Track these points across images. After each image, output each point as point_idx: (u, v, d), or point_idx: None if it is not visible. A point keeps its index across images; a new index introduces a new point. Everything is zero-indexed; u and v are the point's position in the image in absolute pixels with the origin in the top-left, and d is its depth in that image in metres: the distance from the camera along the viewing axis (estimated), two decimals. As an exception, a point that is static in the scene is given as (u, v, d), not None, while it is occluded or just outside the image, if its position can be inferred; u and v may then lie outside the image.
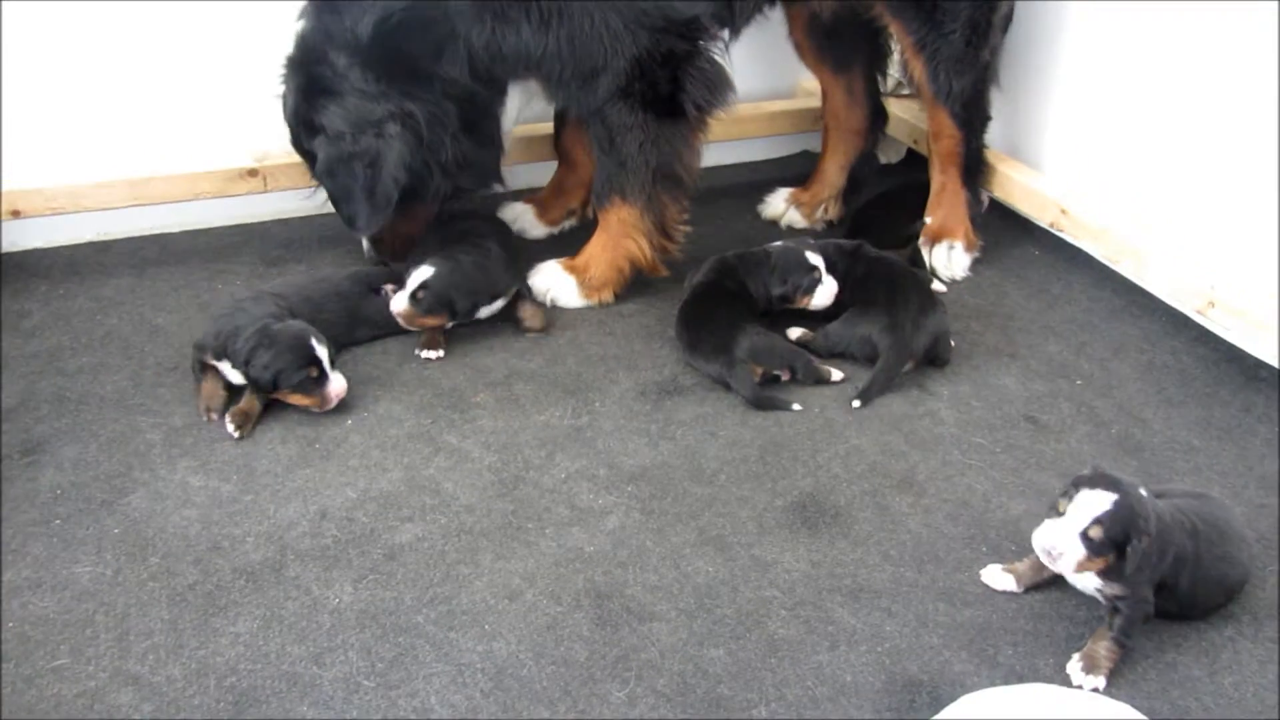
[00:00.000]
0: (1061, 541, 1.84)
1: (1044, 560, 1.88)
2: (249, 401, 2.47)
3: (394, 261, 2.94)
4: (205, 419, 2.47)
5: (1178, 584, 1.92)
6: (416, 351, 2.72)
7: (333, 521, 2.21)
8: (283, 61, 2.76)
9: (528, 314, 2.84)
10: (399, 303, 2.68)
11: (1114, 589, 1.89)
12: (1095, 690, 1.84)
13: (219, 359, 2.50)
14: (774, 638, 1.96)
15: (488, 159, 2.92)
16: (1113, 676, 1.88)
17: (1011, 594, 2.06)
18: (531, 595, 2.04)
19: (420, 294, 2.66)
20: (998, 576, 2.08)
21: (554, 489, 2.31)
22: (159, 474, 2.33)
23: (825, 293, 2.76)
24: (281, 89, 2.79)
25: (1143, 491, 1.89)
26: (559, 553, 2.14)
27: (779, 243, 2.85)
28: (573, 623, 1.99)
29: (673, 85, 2.76)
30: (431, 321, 2.71)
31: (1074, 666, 1.89)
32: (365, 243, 3.02)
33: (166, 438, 2.43)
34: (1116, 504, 1.82)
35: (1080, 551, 1.83)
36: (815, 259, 2.76)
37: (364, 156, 2.69)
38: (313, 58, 2.69)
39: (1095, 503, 1.83)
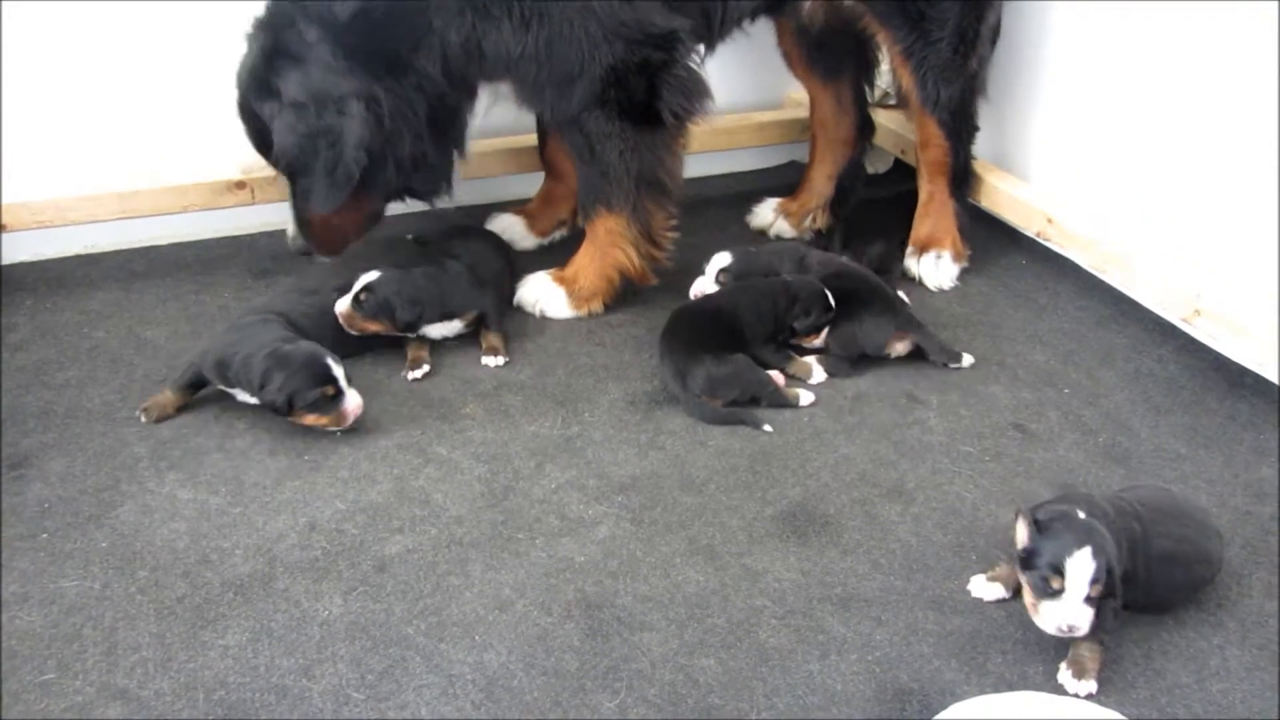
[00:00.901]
0: (1075, 619, 1.84)
1: (1057, 634, 1.88)
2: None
3: (320, 254, 2.89)
4: (139, 415, 2.49)
5: (1136, 568, 1.94)
6: (404, 374, 2.70)
7: (322, 533, 2.20)
8: (252, 23, 2.68)
9: (487, 342, 2.79)
10: (342, 304, 2.66)
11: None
12: (1089, 695, 1.85)
13: (229, 386, 2.50)
14: (764, 647, 1.96)
15: (444, 165, 2.87)
16: (1102, 684, 1.89)
17: (1001, 601, 2.06)
18: (522, 606, 2.04)
19: (364, 296, 2.65)
20: (984, 586, 2.08)
21: (544, 499, 2.31)
22: (147, 487, 2.32)
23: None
24: (244, 48, 2.70)
25: (1080, 513, 1.91)
26: (549, 563, 2.14)
27: (792, 275, 2.79)
28: (563, 633, 1.98)
29: (649, 94, 2.75)
30: (373, 326, 2.67)
31: (1064, 675, 1.89)
32: (291, 229, 2.88)
33: (154, 450, 2.42)
34: (1096, 553, 1.84)
35: (1090, 615, 1.85)
36: (830, 297, 2.71)
37: (326, 133, 2.62)
38: (282, 22, 2.62)
39: (1084, 566, 1.83)
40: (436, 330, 2.79)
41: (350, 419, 2.46)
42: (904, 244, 3.22)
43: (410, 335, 2.74)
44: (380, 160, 2.69)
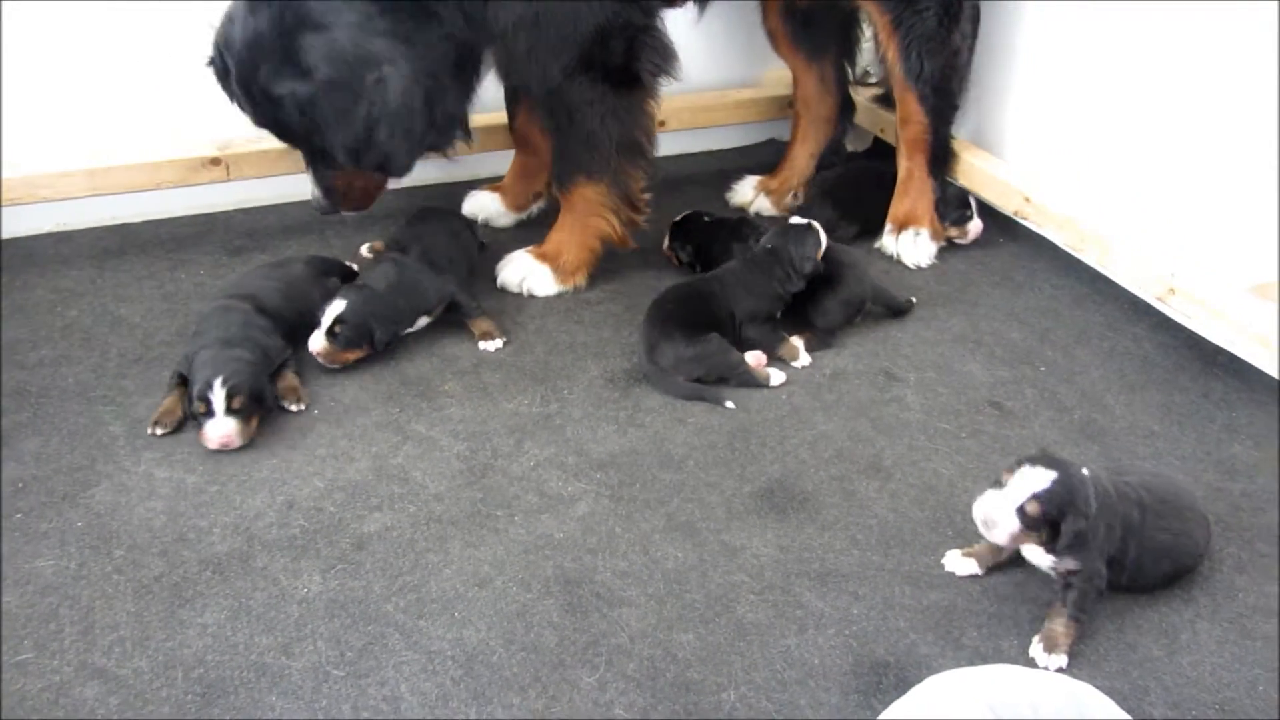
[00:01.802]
0: (997, 513, 1.89)
1: (980, 529, 1.93)
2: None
3: (347, 211, 2.84)
4: (149, 430, 2.39)
5: (1126, 554, 1.97)
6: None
7: (300, 511, 2.20)
8: None
9: (481, 328, 2.75)
10: (316, 342, 2.56)
11: (1066, 565, 1.93)
12: (1059, 670, 1.88)
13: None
14: (742, 622, 1.98)
15: (465, 115, 2.83)
16: (1074, 657, 1.91)
17: (975, 577, 2.08)
18: (501, 582, 2.04)
19: (337, 329, 2.55)
20: (959, 562, 2.10)
21: (523, 476, 2.31)
22: (123, 466, 2.31)
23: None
24: (235, 12, 2.51)
25: (1085, 472, 1.93)
26: (528, 540, 2.14)
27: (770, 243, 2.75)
28: (542, 609, 1.99)
29: (628, 56, 2.76)
30: (352, 355, 2.60)
31: (1036, 649, 1.92)
32: (314, 190, 2.78)
33: (130, 429, 2.40)
34: (1055, 482, 1.87)
35: (1014, 524, 1.88)
36: (804, 219, 2.76)
37: (374, 103, 2.49)
38: None
39: (1035, 479, 1.88)
40: (416, 327, 2.75)
41: (210, 442, 2.33)
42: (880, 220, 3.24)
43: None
44: (425, 116, 2.61)
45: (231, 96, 2.63)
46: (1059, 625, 1.92)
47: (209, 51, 2.61)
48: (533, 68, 2.74)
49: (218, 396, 2.32)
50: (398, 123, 2.56)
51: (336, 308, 2.57)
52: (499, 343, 2.73)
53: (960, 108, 3.20)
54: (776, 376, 2.60)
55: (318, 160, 2.71)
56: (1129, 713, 1.64)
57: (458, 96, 2.74)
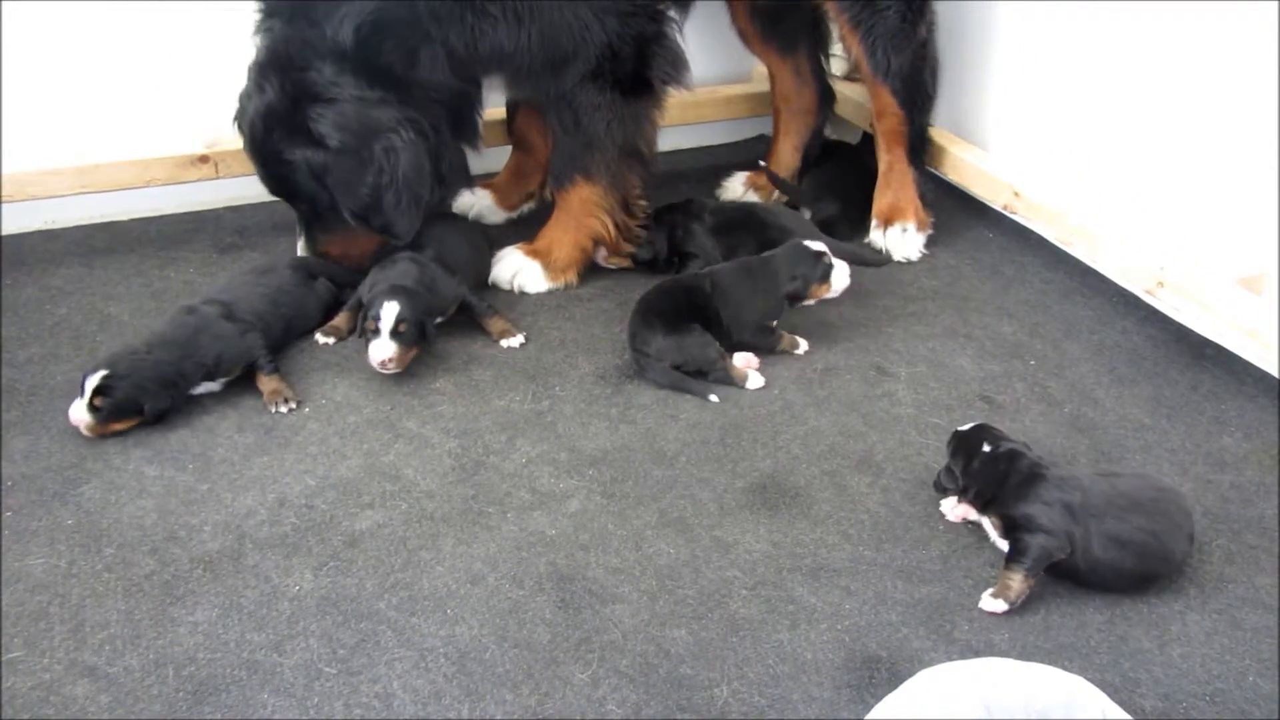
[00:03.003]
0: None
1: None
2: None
3: (332, 268, 2.85)
4: None
5: (1074, 537, 2.01)
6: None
7: (291, 509, 2.19)
8: (252, 68, 2.64)
9: (498, 328, 2.75)
10: (384, 349, 2.49)
11: (998, 528, 2.06)
12: (994, 613, 1.99)
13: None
14: (735, 617, 1.98)
15: (465, 165, 2.92)
16: (1065, 649, 1.92)
17: (967, 571, 2.09)
18: (493, 579, 2.04)
19: (402, 328, 2.50)
20: (955, 508, 2.20)
21: (515, 473, 2.31)
22: (113, 464, 2.30)
23: (841, 275, 2.66)
24: (248, 91, 2.66)
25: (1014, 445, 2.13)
26: (520, 537, 2.14)
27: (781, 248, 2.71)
28: (535, 606, 1.99)
29: (640, 64, 2.78)
30: (411, 354, 2.57)
31: (985, 596, 2.01)
32: (301, 244, 2.88)
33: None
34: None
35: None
36: (819, 246, 2.67)
37: (383, 169, 2.60)
38: (295, 64, 2.57)
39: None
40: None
41: (72, 422, 2.35)
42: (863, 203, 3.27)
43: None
44: (431, 178, 2.71)
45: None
46: (1015, 578, 1.99)
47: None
48: (538, 83, 2.78)
49: (89, 384, 2.32)
50: (406, 188, 2.64)
51: (392, 310, 2.50)
52: (520, 339, 2.73)
53: (935, 96, 3.20)
54: (755, 380, 2.58)
55: (315, 225, 2.80)
56: (1120, 704, 1.65)
57: (460, 149, 2.82)
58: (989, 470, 2.09)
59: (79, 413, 2.35)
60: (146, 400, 2.37)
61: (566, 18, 2.67)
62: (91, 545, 2.09)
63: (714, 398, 2.54)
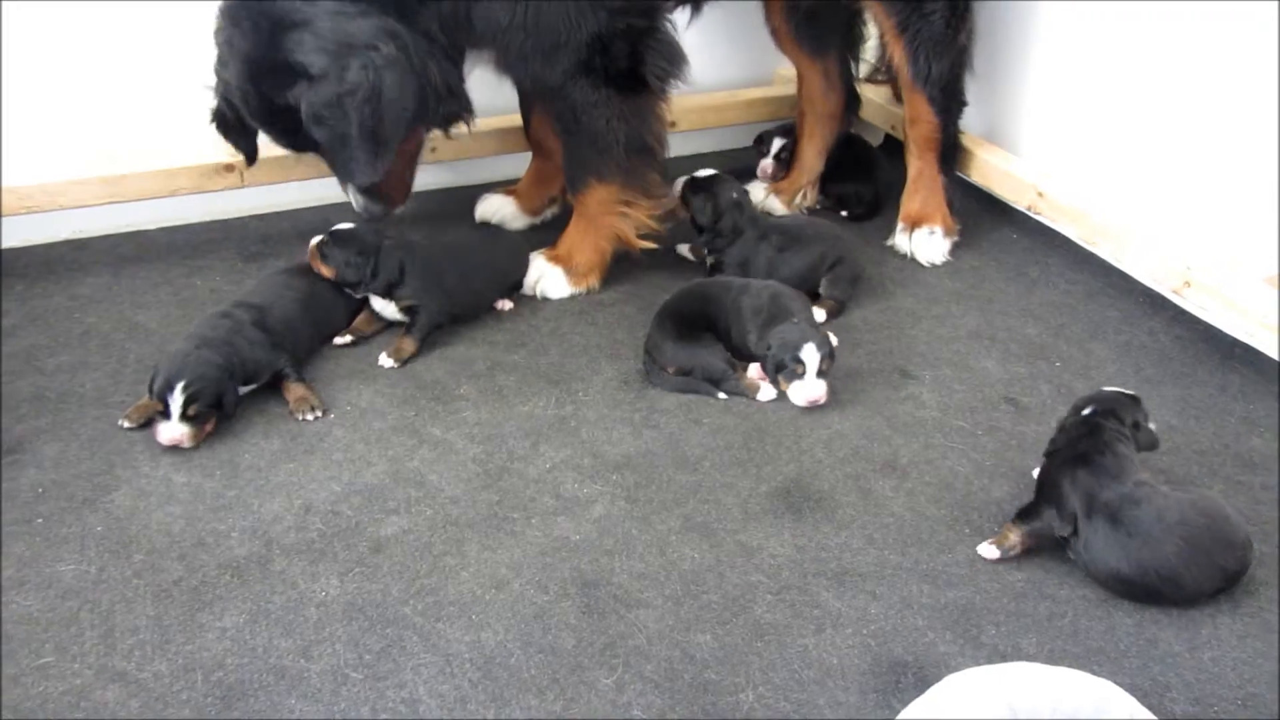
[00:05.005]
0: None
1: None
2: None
3: (393, 208, 2.78)
4: (120, 423, 2.43)
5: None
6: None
7: (318, 515, 2.21)
8: (218, 25, 2.50)
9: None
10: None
11: None
12: (986, 558, 2.10)
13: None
14: (760, 622, 1.97)
15: (463, 90, 2.75)
16: (1094, 653, 1.91)
17: (993, 574, 2.08)
18: (518, 585, 2.05)
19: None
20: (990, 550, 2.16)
21: (539, 479, 2.31)
22: (141, 471, 2.32)
23: (800, 392, 2.48)
24: (221, 57, 2.51)
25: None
26: (545, 542, 2.15)
27: (791, 323, 2.55)
28: (560, 611, 1.99)
29: (632, 59, 2.75)
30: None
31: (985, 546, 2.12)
32: (356, 199, 2.73)
33: (148, 435, 2.41)
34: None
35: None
36: (811, 359, 2.46)
37: (357, 91, 2.41)
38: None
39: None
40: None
41: (159, 438, 2.36)
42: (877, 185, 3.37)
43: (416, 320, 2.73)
44: (421, 95, 2.55)
45: (256, 128, 2.66)
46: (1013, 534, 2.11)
47: (213, 109, 2.68)
48: (527, 68, 2.73)
49: (176, 400, 2.33)
50: (374, 118, 2.47)
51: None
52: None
53: (967, 103, 3.19)
54: (767, 391, 2.56)
55: (347, 165, 2.64)
56: (1151, 709, 1.63)
57: (456, 70, 2.68)
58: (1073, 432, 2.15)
59: (175, 430, 2.35)
60: (227, 393, 2.41)
61: (557, 8, 2.61)
62: (121, 551, 2.11)
63: (722, 395, 2.55)
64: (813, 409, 2.51)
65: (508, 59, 2.76)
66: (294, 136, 2.58)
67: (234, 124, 2.70)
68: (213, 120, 2.73)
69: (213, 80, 2.64)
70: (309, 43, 2.40)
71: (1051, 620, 1.98)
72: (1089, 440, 2.10)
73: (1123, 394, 2.21)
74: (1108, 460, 2.06)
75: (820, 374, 2.47)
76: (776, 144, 3.51)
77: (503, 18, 2.61)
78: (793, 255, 2.89)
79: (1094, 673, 1.79)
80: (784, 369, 2.49)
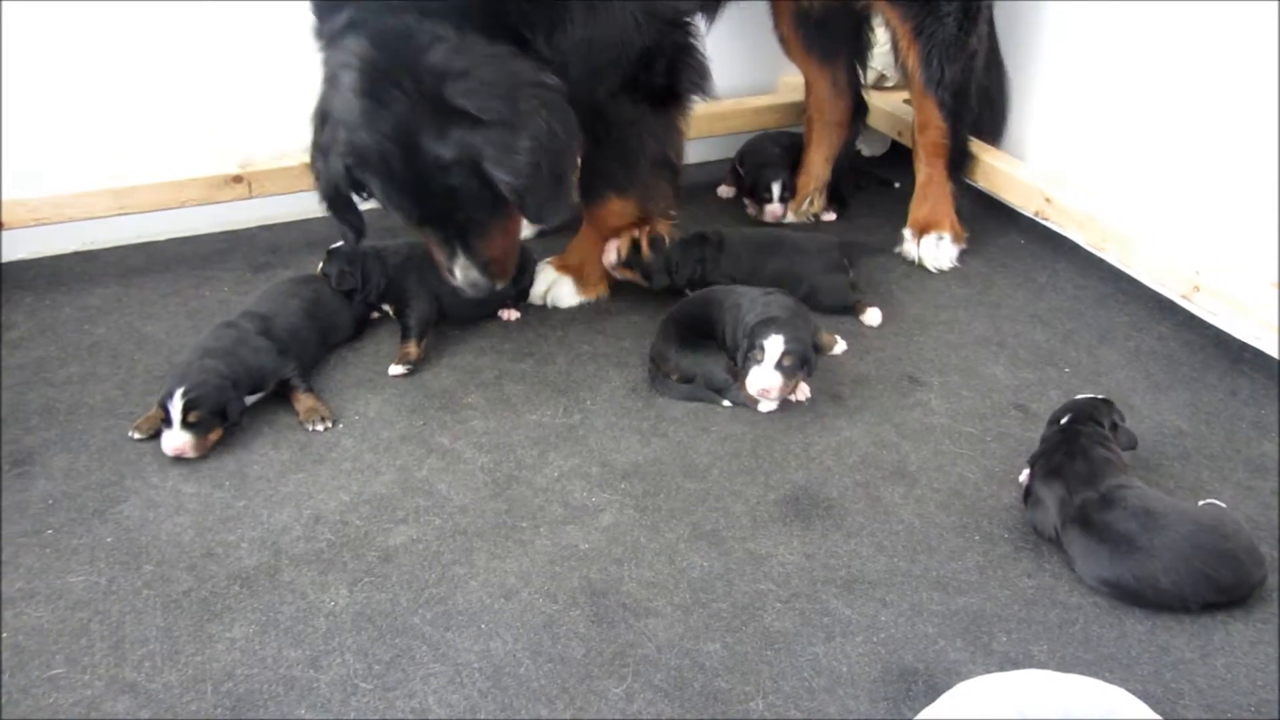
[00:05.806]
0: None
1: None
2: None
3: (502, 280, 2.59)
4: (129, 434, 2.44)
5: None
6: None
7: (327, 525, 2.21)
8: (346, 93, 2.30)
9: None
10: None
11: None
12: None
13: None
14: (769, 630, 1.97)
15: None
16: (1105, 659, 1.90)
17: (1004, 581, 2.07)
18: (527, 594, 2.05)
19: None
20: None
21: (547, 488, 2.31)
22: (151, 482, 2.33)
23: (755, 379, 2.45)
24: (355, 124, 2.31)
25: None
26: (554, 551, 2.15)
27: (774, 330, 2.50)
28: (569, 620, 1.99)
29: (669, 75, 2.76)
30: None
31: None
32: (464, 276, 2.52)
33: (158, 445, 2.41)
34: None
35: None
36: (774, 348, 2.43)
37: (538, 132, 2.30)
38: (410, 51, 2.24)
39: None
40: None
41: (165, 449, 2.35)
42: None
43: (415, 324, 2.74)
44: (575, 127, 2.44)
45: (379, 197, 2.44)
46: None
47: (319, 183, 2.47)
48: (582, 90, 2.62)
49: (175, 407, 2.33)
50: (553, 156, 2.36)
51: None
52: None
53: (975, 110, 3.19)
54: (767, 404, 2.55)
55: (470, 235, 2.49)
56: (1163, 716, 1.63)
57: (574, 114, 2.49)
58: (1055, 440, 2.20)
59: (177, 439, 2.34)
60: (230, 402, 2.40)
61: (620, 25, 2.59)
62: (131, 562, 2.12)
63: (727, 402, 2.55)
64: (817, 415, 2.51)
65: (565, 79, 2.56)
66: (430, 200, 2.40)
67: (345, 200, 2.51)
68: (323, 199, 2.51)
69: (313, 157, 2.46)
70: (476, 89, 2.26)
71: (1063, 627, 1.97)
72: (1064, 448, 2.15)
73: (1096, 399, 2.26)
74: (1079, 465, 2.10)
75: (782, 369, 2.42)
76: (776, 188, 3.39)
77: (569, 43, 2.51)
78: (774, 260, 2.94)
79: (1106, 679, 1.78)
80: (748, 360, 2.46)
